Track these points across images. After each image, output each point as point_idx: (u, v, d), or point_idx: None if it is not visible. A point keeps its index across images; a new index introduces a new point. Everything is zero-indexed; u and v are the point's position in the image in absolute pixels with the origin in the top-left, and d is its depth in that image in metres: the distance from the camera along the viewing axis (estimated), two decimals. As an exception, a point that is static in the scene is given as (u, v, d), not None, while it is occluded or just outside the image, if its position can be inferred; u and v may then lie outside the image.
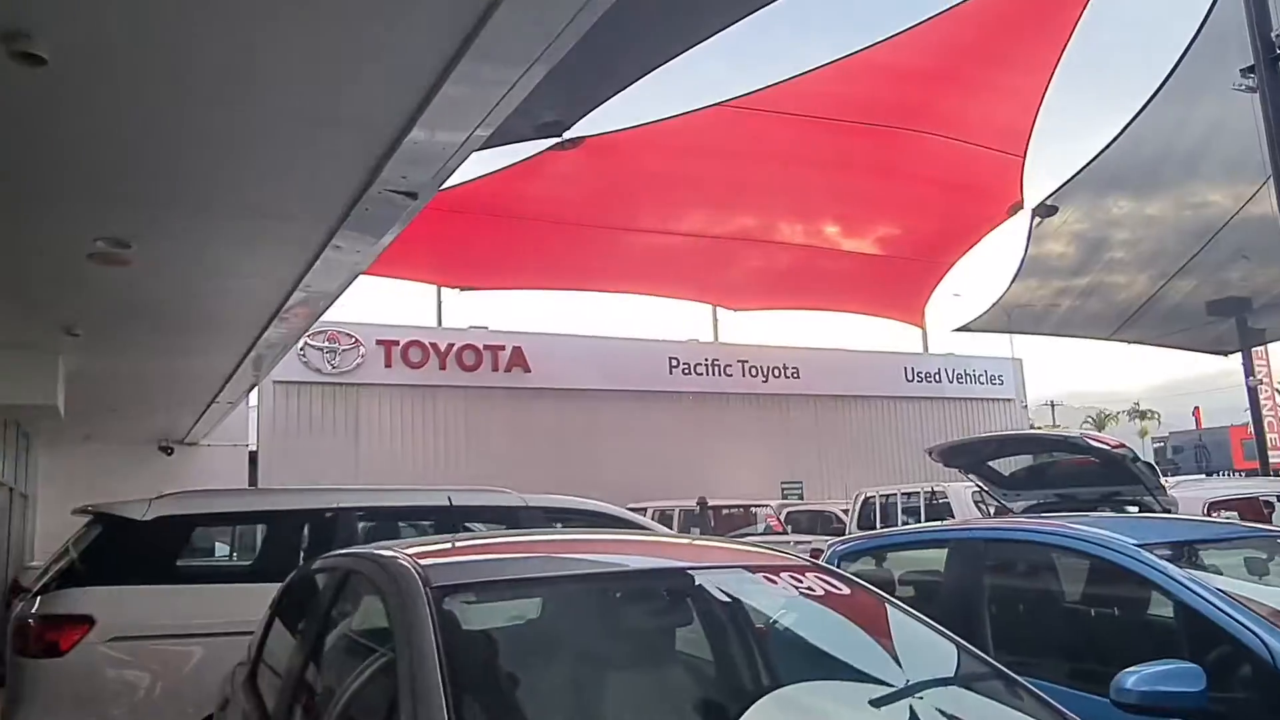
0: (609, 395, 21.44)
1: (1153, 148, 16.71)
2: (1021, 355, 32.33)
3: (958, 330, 25.01)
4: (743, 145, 15.63)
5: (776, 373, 23.69)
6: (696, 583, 2.47)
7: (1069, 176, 17.30)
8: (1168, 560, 3.16)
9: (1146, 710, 2.66)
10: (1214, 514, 6.34)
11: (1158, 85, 14.75)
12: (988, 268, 27.31)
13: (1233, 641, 2.73)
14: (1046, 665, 3.29)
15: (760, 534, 16.84)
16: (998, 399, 27.50)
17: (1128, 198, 18.91)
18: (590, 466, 20.04)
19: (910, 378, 26.13)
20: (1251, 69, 10.84)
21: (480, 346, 20.21)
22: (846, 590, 2.52)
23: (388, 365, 19.06)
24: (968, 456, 7.09)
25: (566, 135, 13.47)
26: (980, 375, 27.26)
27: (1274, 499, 7.32)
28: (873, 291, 22.94)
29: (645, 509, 18.02)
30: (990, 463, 7.24)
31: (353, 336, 18.75)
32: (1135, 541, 3.18)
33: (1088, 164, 16.72)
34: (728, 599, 2.46)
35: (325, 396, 18.45)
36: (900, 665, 2.21)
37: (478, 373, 20.07)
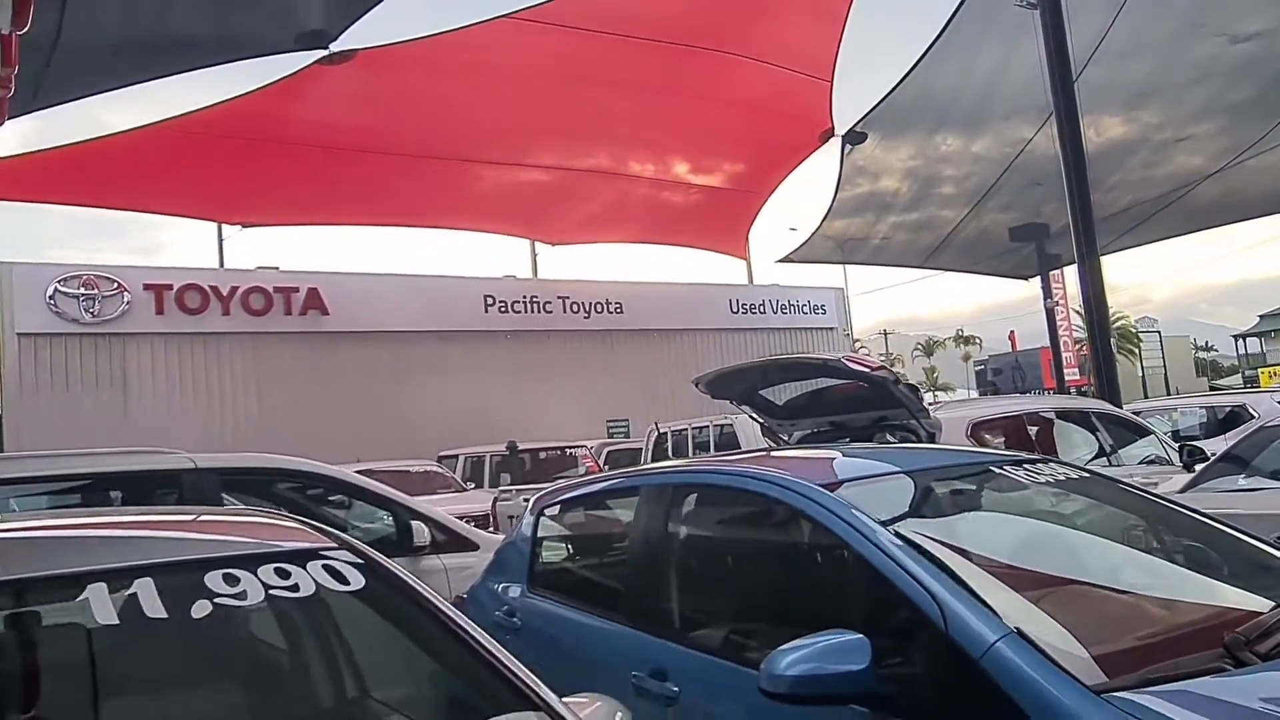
0: (419, 337, 20.25)
1: (952, 79, 16.79)
2: (857, 285, 33.04)
3: (781, 261, 25.10)
4: (539, 64, 14.57)
5: (599, 308, 23.05)
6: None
7: (874, 104, 17.20)
8: (874, 503, 2.57)
9: (803, 699, 2.04)
10: (977, 437, 6.03)
11: (951, 14, 14.69)
12: (808, 197, 27.47)
13: (908, 603, 2.13)
14: (718, 634, 2.66)
15: (581, 475, 16.27)
16: (821, 328, 27.87)
17: (936, 130, 19.14)
18: (402, 413, 18.92)
19: (735, 309, 26.08)
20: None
21: (270, 289, 18.52)
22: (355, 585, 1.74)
23: (159, 312, 17.14)
24: (736, 386, 6.54)
25: (334, 48, 12.05)
26: (804, 305, 27.52)
27: (1051, 414, 7.16)
28: (694, 223, 22.48)
29: (456, 456, 17.13)
30: (763, 391, 6.73)
31: (114, 281, 16.73)
32: (820, 481, 2.55)
33: (890, 91, 16.62)
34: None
35: (85, 349, 16.43)
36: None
37: (268, 317, 18.42)
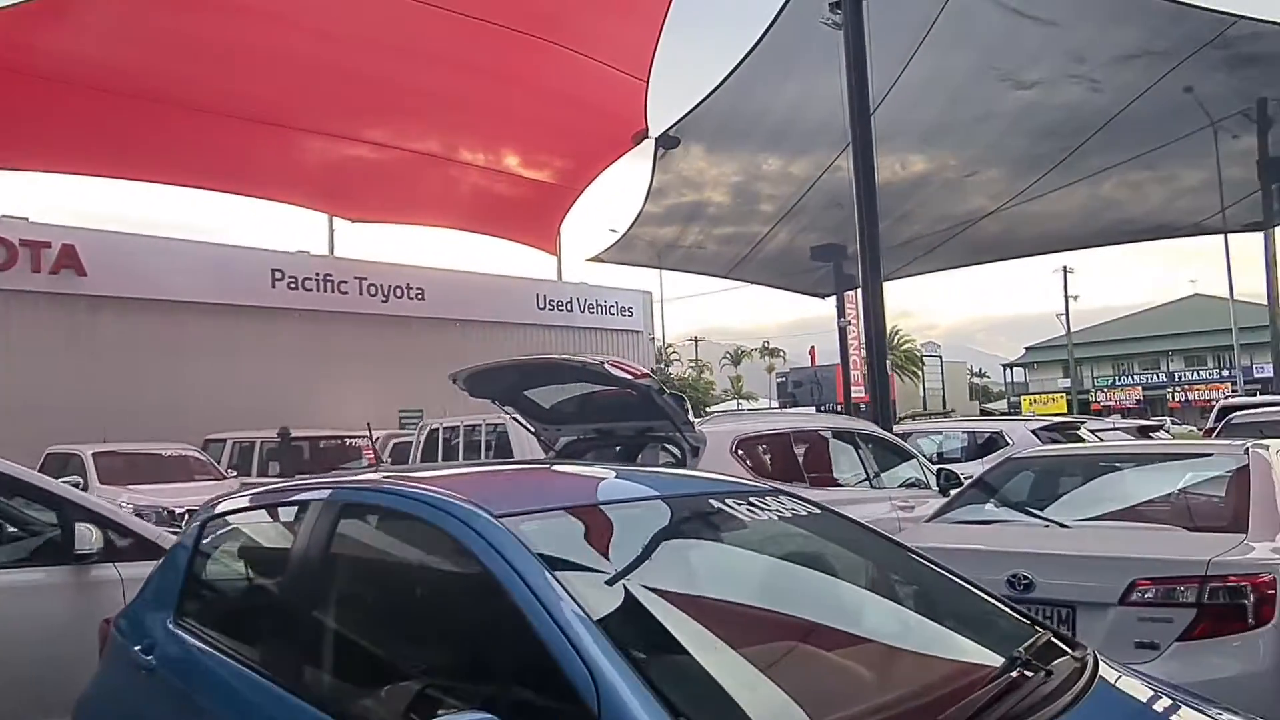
0: (196, 309, 18.56)
1: (768, 94, 17.12)
2: (672, 290, 33.40)
3: (591, 260, 24.88)
4: (345, 28, 13.54)
5: (399, 293, 21.98)
6: None
7: (688, 110, 17.25)
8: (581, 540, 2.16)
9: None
10: (743, 454, 5.85)
11: (765, 28, 14.90)
12: (622, 198, 27.45)
13: (561, 676, 1.72)
14: (359, 702, 2.17)
15: (363, 468, 15.29)
16: (627, 330, 27.89)
17: (760, 150, 19.53)
18: (172, 392, 17.23)
19: (542, 305, 25.64)
20: (839, 4, 10.82)
21: (15, 241, 16.37)
22: None
23: None
24: (495, 384, 6.07)
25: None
26: (611, 307, 27.43)
27: (819, 433, 7.12)
28: (504, 213, 21.77)
29: (224, 441, 15.72)
30: (530, 393, 6.28)
31: None
32: (495, 512, 2.12)
33: (705, 99, 16.70)
34: None
35: None
36: None
37: (9, 274, 16.25)
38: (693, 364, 78.25)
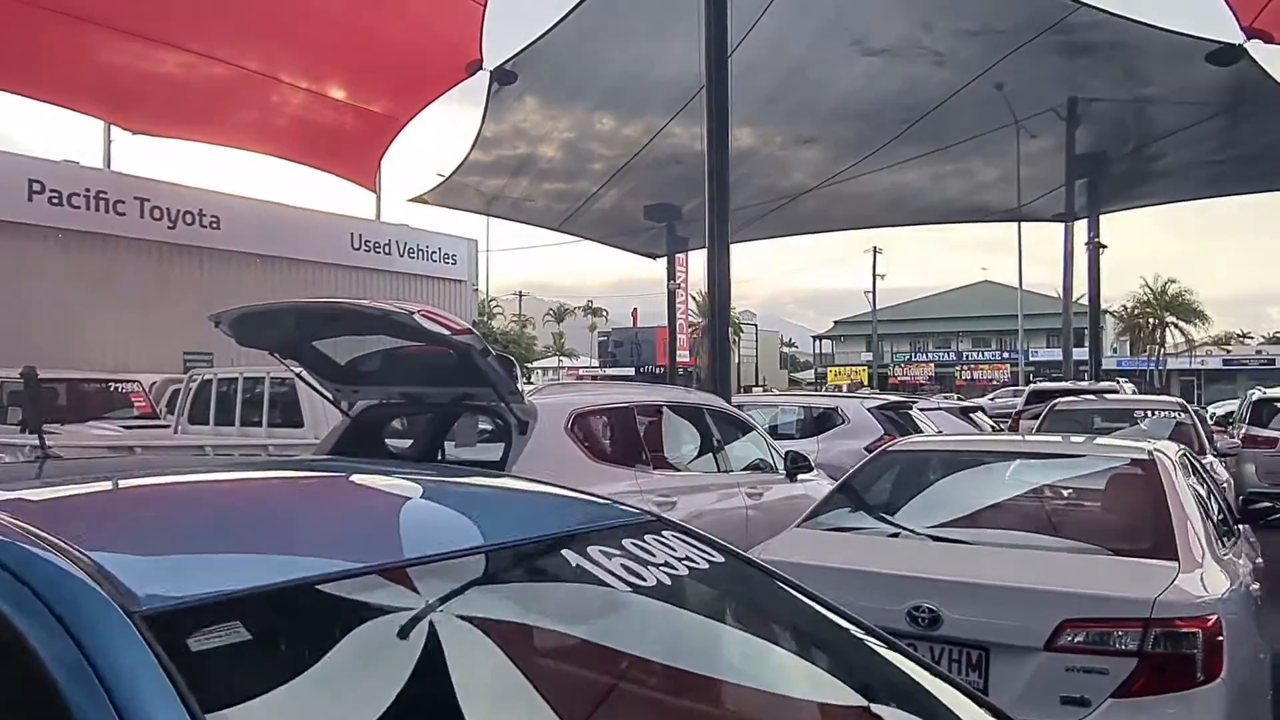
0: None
1: (611, 42, 16.17)
2: (496, 241, 31.97)
3: (413, 200, 23.16)
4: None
5: (189, 219, 19.51)
6: None
7: (527, 44, 15.97)
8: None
9: None
10: (580, 429, 4.91)
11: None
12: (450, 139, 25.76)
13: None
14: None
15: (133, 418, 13.25)
16: (450, 279, 26.32)
17: (597, 107, 18.58)
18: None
19: (358, 246, 23.67)
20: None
21: None
22: None
23: None
24: (269, 331, 4.82)
25: None
26: (434, 252, 25.76)
27: (672, 408, 6.28)
28: (317, 139, 19.71)
29: (-49, 379, 13.23)
30: (319, 344, 5.06)
31: None
32: (138, 601, 1.05)
33: (546, 32, 15.47)
34: None
35: None
36: None
37: None
38: (515, 319, 76.78)
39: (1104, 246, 24.43)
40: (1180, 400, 12.54)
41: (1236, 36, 13.87)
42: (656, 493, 5.14)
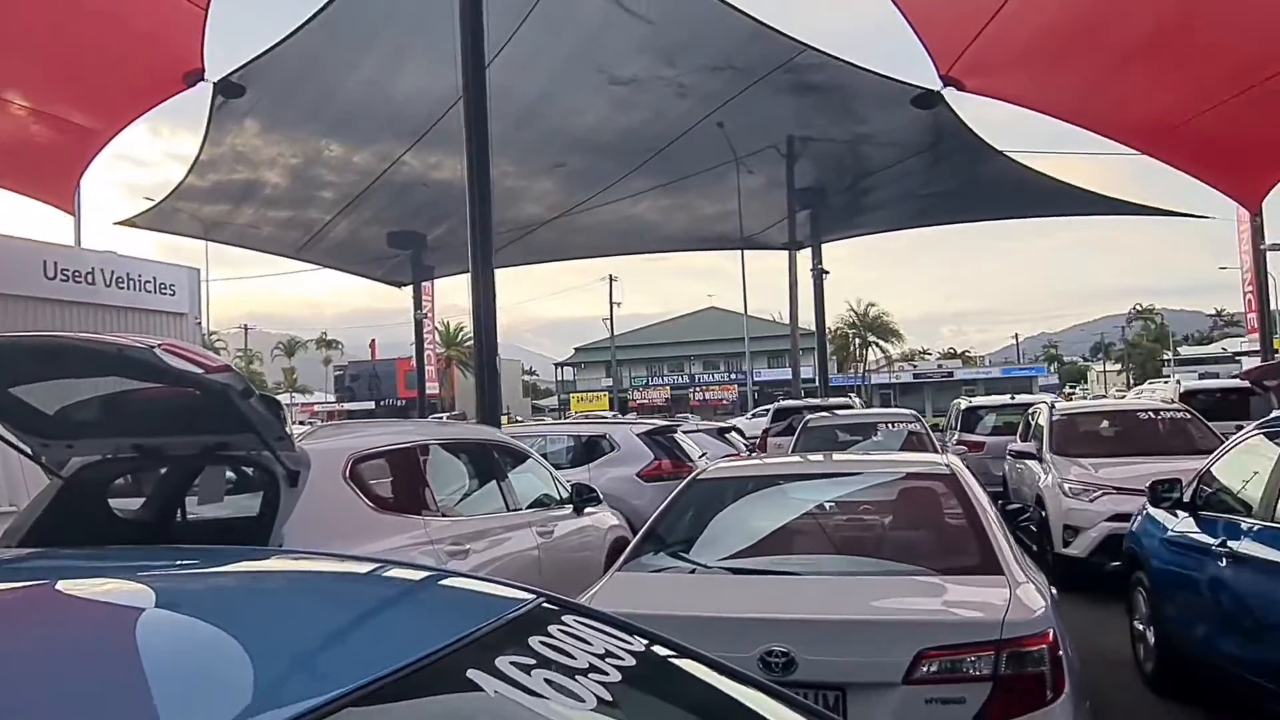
0: None
1: (331, 75, 15.37)
2: (216, 271, 29.21)
3: (121, 224, 20.73)
4: None
5: None
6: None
7: (256, 55, 14.73)
8: None
9: None
10: (359, 477, 4.30)
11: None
12: (161, 155, 23.38)
13: None
14: None
15: None
16: (168, 312, 23.56)
17: (325, 134, 17.55)
18: None
19: (53, 275, 20.60)
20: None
21: None
22: None
23: None
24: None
25: None
26: (148, 282, 22.98)
27: (456, 446, 5.75)
28: (8, 155, 17.07)
29: None
30: (17, 390, 4.10)
31: None
32: None
33: (275, 46, 14.33)
34: None
35: None
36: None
37: None
38: (241, 354, 71.18)
39: (827, 273, 26.47)
40: (913, 412, 13.63)
41: (936, 83, 15.40)
42: (448, 541, 4.64)
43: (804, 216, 24.23)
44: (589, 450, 10.49)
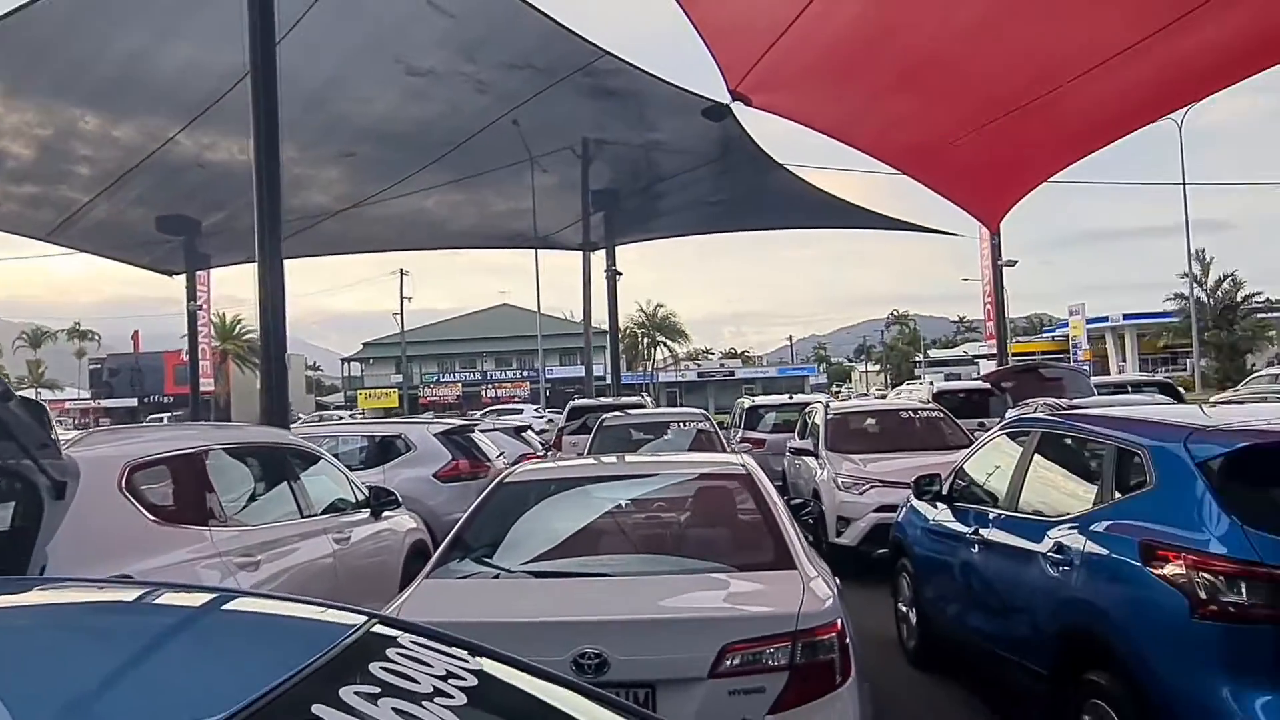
0: None
1: (89, 43, 13.98)
2: (-77, 245, 25.82)
3: None
4: None
5: None
6: None
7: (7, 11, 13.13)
8: None
9: None
10: (136, 487, 3.97)
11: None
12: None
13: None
14: None
15: None
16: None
17: (79, 104, 15.86)
18: None
19: None
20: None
21: None
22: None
23: None
24: None
25: None
26: None
27: (244, 450, 5.39)
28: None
29: None
30: None
31: None
32: None
33: (24, 5, 12.85)
34: None
35: None
36: None
37: None
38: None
39: (620, 274, 26.99)
40: (703, 412, 14.19)
41: (725, 97, 16.09)
42: (236, 552, 4.40)
43: (598, 218, 24.58)
44: (384, 451, 10.18)
